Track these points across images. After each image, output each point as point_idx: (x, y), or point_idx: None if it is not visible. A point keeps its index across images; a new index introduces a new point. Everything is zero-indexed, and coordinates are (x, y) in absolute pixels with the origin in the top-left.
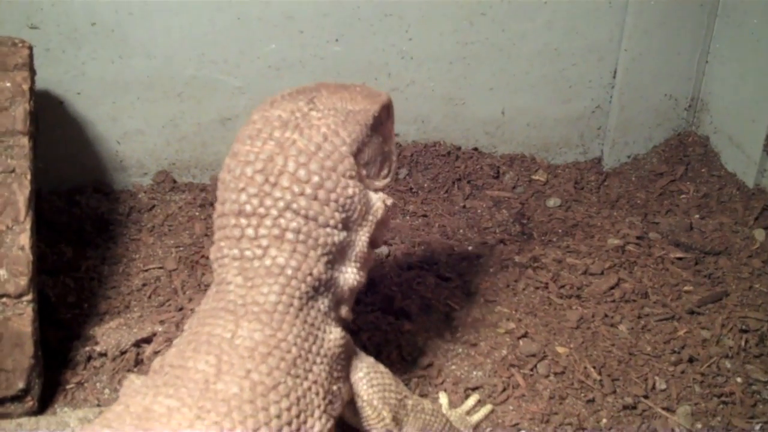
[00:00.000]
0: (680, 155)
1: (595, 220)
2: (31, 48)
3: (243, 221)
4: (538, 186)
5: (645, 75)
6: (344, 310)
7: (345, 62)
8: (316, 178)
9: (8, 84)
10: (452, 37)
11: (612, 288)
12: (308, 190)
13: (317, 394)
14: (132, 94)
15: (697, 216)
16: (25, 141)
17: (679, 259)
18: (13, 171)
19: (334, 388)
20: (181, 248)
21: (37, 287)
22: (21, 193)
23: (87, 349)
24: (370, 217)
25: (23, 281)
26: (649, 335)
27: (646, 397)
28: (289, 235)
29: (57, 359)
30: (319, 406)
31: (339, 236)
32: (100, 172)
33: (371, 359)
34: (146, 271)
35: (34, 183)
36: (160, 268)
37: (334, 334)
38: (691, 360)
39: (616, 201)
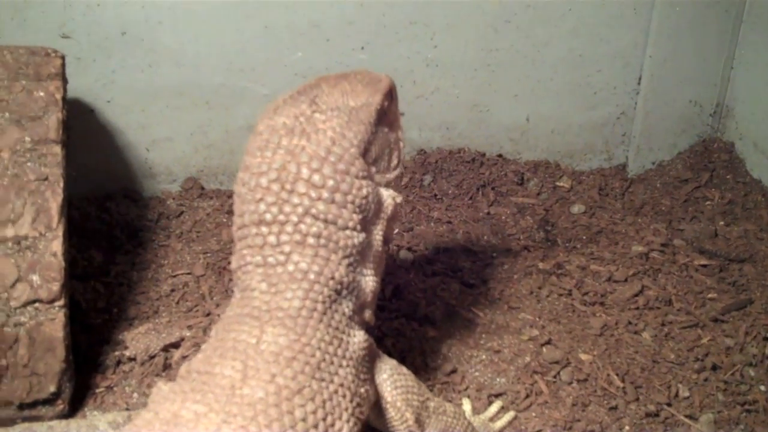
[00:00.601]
0: (705, 162)
1: (619, 226)
2: (63, 58)
3: (264, 229)
4: (563, 192)
5: (670, 81)
6: (367, 314)
7: (370, 69)
8: (331, 182)
9: (42, 93)
10: (477, 44)
11: (636, 295)
12: (325, 194)
13: (344, 396)
14: (161, 102)
15: (722, 223)
16: (57, 149)
17: (704, 266)
18: (46, 179)
19: (362, 390)
20: (209, 254)
21: (68, 293)
22: (54, 201)
23: (116, 353)
24: (382, 215)
25: (55, 287)
26: (673, 343)
27: (669, 404)
28: (311, 240)
29: (87, 363)
30: (346, 409)
31: (358, 238)
32: (130, 179)
33: (394, 361)
34: (174, 276)
35: (66, 191)
36: (188, 273)
37: (358, 337)
38: (714, 368)
39: (640, 208)
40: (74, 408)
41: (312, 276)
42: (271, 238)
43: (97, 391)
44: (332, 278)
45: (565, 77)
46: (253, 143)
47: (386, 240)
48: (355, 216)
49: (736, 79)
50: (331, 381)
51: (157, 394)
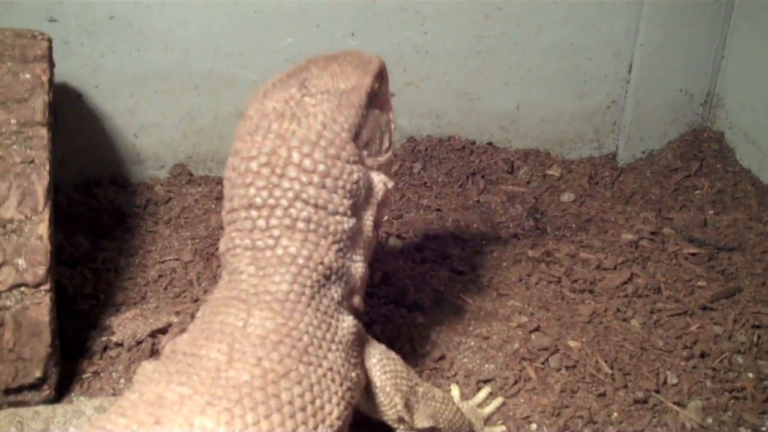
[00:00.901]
0: (695, 151)
1: (609, 215)
2: (50, 40)
3: (254, 213)
4: (553, 181)
5: (660, 70)
6: (356, 299)
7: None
8: (322, 167)
9: (28, 76)
10: (468, 32)
11: (625, 283)
12: (316, 179)
13: (333, 380)
14: (149, 87)
15: (712, 212)
16: (44, 132)
17: (693, 254)
18: (32, 161)
19: (352, 374)
20: (197, 240)
21: (54, 278)
22: (40, 184)
23: (103, 339)
24: (373, 200)
25: (41, 271)
26: (662, 330)
27: (657, 391)
28: (300, 225)
29: (74, 349)
30: (336, 393)
31: (348, 223)
32: (118, 165)
33: (383, 346)
34: (162, 262)
35: (52, 174)
36: (176, 259)
37: (347, 322)
38: (702, 355)
39: (630, 196)
40: (60, 393)
41: (301, 260)
42: (261, 222)
43: (84, 376)
44: (321, 263)
45: (556, 65)
46: (242, 127)
47: (376, 225)
48: (345, 201)
49: (727, 69)
50: (320, 365)
51: (141, 374)
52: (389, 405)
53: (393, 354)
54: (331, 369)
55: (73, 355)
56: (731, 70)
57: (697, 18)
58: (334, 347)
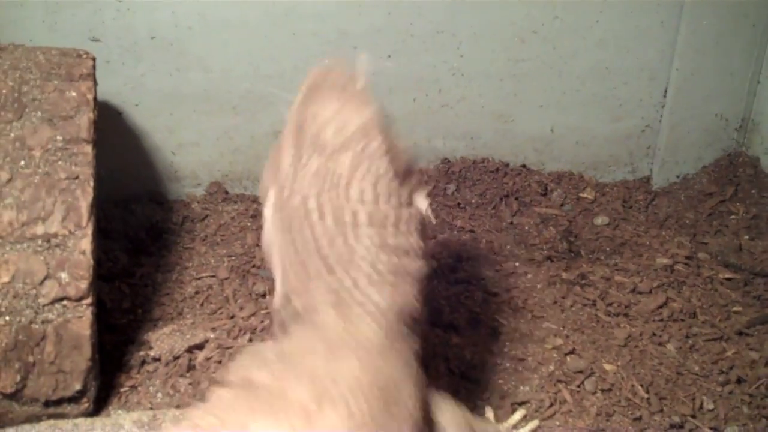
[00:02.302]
0: (730, 176)
1: (643, 239)
2: (94, 59)
3: (330, 258)
4: (586, 204)
5: (696, 94)
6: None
7: (396, 78)
8: (392, 216)
9: (74, 93)
10: (503, 55)
11: (660, 307)
12: (390, 229)
13: (411, 430)
14: (188, 106)
15: (747, 237)
16: (88, 149)
17: (728, 279)
18: (77, 177)
19: (422, 421)
20: (233, 257)
21: (96, 291)
22: (84, 199)
23: (141, 353)
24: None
25: (84, 285)
26: (697, 355)
27: (693, 416)
28: (380, 267)
29: (112, 363)
30: None
31: (418, 261)
32: (156, 182)
33: (441, 395)
34: (199, 279)
35: (96, 190)
36: (213, 276)
37: (420, 370)
38: (739, 381)
39: (664, 220)
40: (99, 407)
41: (383, 306)
42: (338, 269)
43: (122, 390)
44: (402, 307)
45: (590, 89)
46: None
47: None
48: (412, 238)
49: (763, 94)
50: (400, 413)
51: (218, 400)
52: None
53: (444, 396)
54: (410, 416)
55: (111, 368)
56: (767, 95)
57: (733, 43)
58: (413, 394)
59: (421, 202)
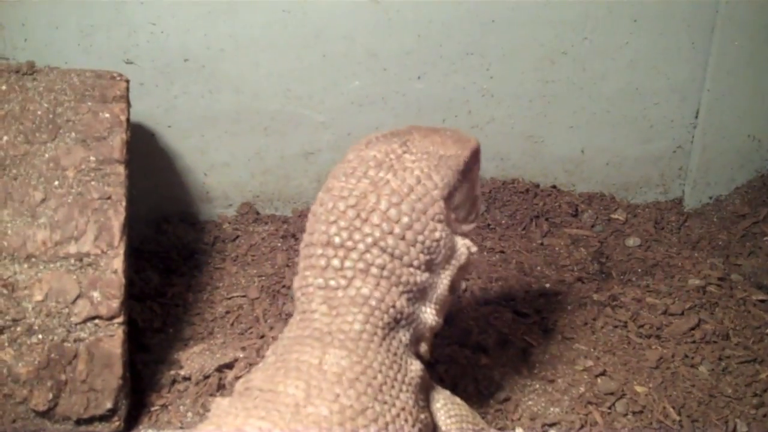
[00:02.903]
0: (763, 197)
1: (675, 260)
2: (128, 81)
3: (330, 252)
4: (618, 225)
5: (728, 115)
6: (423, 348)
7: (426, 99)
8: (406, 219)
9: (107, 115)
10: (533, 76)
11: (692, 329)
12: (397, 230)
13: (406, 421)
14: (220, 127)
15: None
16: (121, 169)
17: (762, 301)
18: (109, 198)
19: (422, 416)
20: (264, 278)
21: (127, 310)
22: (116, 219)
23: (172, 372)
24: (454, 262)
25: (115, 304)
26: (730, 377)
27: None
28: (374, 270)
29: (143, 382)
30: None
31: (421, 277)
32: (187, 203)
33: (447, 392)
34: (229, 299)
35: (128, 210)
36: (243, 296)
37: (415, 365)
38: None
39: (697, 242)
40: (129, 425)
41: (373, 302)
42: (335, 262)
43: (152, 409)
44: (392, 307)
45: (621, 110)
46: (340, 168)
47: (453, 287)
48: (422, 256)
49: None
50: (393, 404)
51: (217, 408)
52: None
53: (457, 399)
54: (403, 409)
55: (141, 387)
56: None
57: (765, 63)
58: (405, 388)
59: (461, 243)
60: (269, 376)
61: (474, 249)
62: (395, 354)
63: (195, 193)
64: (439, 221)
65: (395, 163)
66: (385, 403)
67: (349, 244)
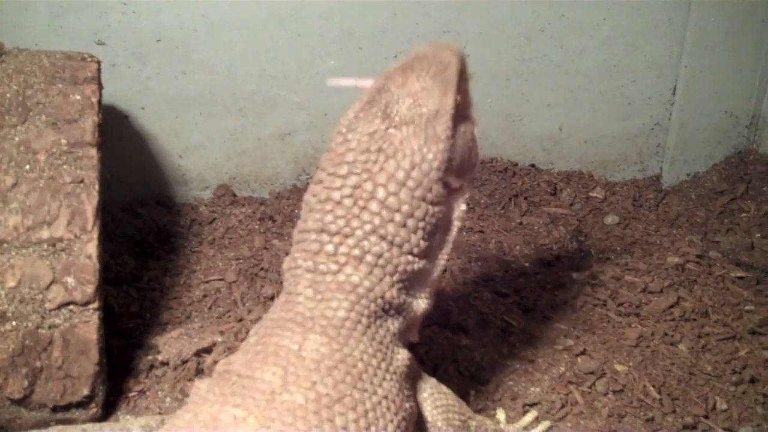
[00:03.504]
0: (741, 173)
1: (654, 237)
2: (99, 63)
3: (325, 237)
4: (596, 203)
5: (705, 92)
6: (414, 335)
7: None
8: (406, 207)
9: (78, 97)
10: (510, 54)
11: (672, 306)
12: (398, 218)
13: (388, 409)
14: (194, 109)
15: (759, 235)
16: (93, 152)
17: (740, 278)
18: (81, 181)
19: (406, 405)
20: (241, 260)
21: (102, 296)
22: (89, 203)
23: (149, 358)
24: (448, 237)
25: (90, 289)
26: (710, 355)
27: (706, 417)
28: (369, 258)
29: (120, 367)
30: (391, 421)
31: (420, 264)
32: (163, 186)
33: (434, 380)
34: (207, 282)
35: (101, 193)
36: (221, 279)
37: (402, 354)
38: (752, 380)
39: (675, 219)
40: (107, 412)
41: (361, 290)
42: (329, 247)
43: (130, 395)
44: (382, 297)
45: (598, 87)
46: (327, 160)
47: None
48: (422, 242)
49: None
50: (374, 393)
51: (196, 393)
52: None
53: (444, 388)
54: (386, 397)
55: (119, 373)
56: None
57: (742, 40)
58: (388, 377)
59: (458, 209)
60: (248, 361)
61: (464, 207)
62: (380, 343)
63: (170, 175)
64: (438, 203)
65: (383, 145)
66: (365, 391)
67: (347, 230)
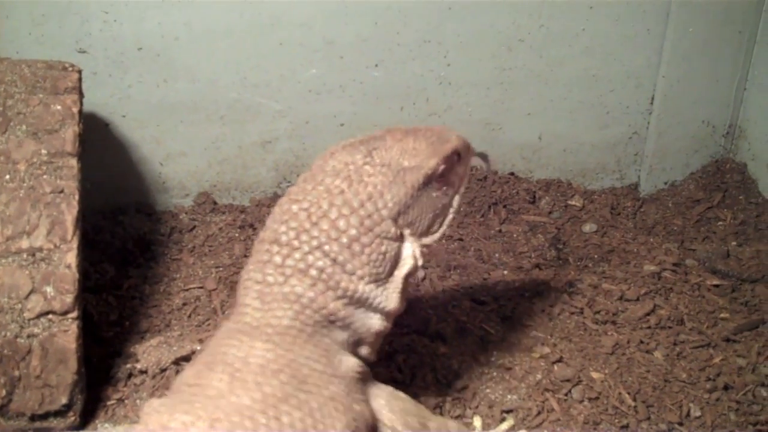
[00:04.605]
0: (718, 182)
1: (631, 246)
2: (80, 72)
3: (275, 248)
4: (575, 211)
5: (683, 101)
6: (365, 350)
7: (384, 87)
8: (353, 231)
9: (59, 107)
10: (490, 63)
11: (648, 314)
12: (343, 239)
13: (336, 409)
14: (176, 117)
15: (735, 243)
16: (73, 162)
17: (716, 286)
18: (62, 191)
19: (356, 407)
20: (221, 268)
21: (81, 305)
22: (69, 213)
23: (128, 366)
24: (396, 272)
25: (69, 299)
26: (685, 362)
27: (680, 423)
28: (313, 272)
29: (98, 376)
30: (340, 420)
31: (363, 287)
32: (143, 193)
33: (390, 388)
34: (186, 290)
35: (81, 203)
36: (200, 287)
37: (351, 362)
38: (726, 388)
39: (652, 227)
40: (85, 420)
41: (305, 300)
42: (277, 258)
43: (108, 403)
44: (324, 308)
45: (577, 96)
46: (301, 176)
47: (402, 291)
48: (366, 268)
49: (749, 100)
50: (320, 394)
51: (148, 407)
52: None
53: (401, 394)
54: (332, 399)
55: (97, 381)
56: (753, 102)
57: (720, 50)
58: (335, 380)
59: (407, 255)
60: (197, 371)
61: (420, 262)
62: (326, 350)
63: (151, 183)
64: (386, 238)
65: (353, 174)
66: (311, 392)
67: (295, 243)
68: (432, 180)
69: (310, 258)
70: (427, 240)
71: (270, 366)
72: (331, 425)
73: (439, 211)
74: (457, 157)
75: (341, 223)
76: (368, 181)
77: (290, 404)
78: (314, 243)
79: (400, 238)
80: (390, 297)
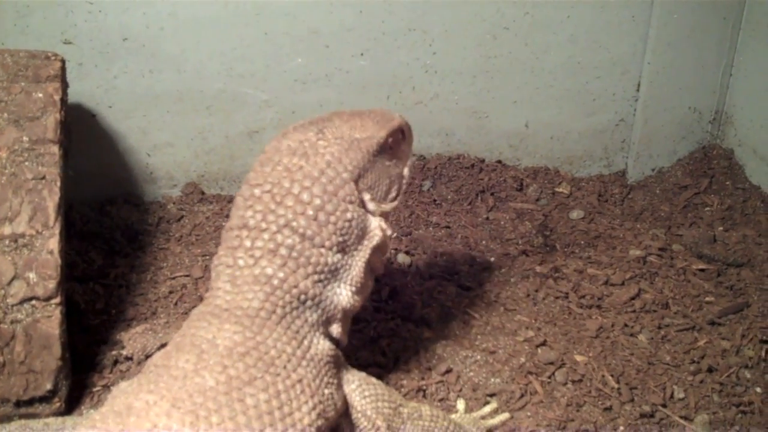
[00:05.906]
0: (704, 168)
1: (618, 231)
2: (63, 61)
3: (244, 233)
4: (562, 198)
5: (669, 88)
6: (335, 329)
7: (370, 76)
8: (317, 201)
9: (40, 95)
10: (476, 51)
11: (632, 298)
12: (309, 211)
13: (303, 392)
14: (162, 107)
15: (721, 228)
16: (55, 149)
17: (702, 270)
18: (43, 178)
19: (325, 391)
20: (208, 257)
21: (65, 292)
22: (51, 200)
23: (114, 353)
24: (366, 242)
25: (52, 284)
26: (669, 345)
27: (664, 405)
28: (283, 251)
29: (85, 363)
30: (306, 403)
31: (332, 258)
32: (131, 184)
33: (363, 373)
34: (173, 278)
35: (63, 190)
36: (187, 276)
37: (322, 345)
38: (710, 370)
39: (639, 213)
40: (71, 406)
41: (275, 281)
42: (246, 242)
43: (94, 389)
44: (295, 287)
45: (564, 84)
46: (257, 161)
47: (373, 269)
48: (334, 237)
49: (735, 86)
50: (288, 377)
51: (116, 389)
52: (372, 428)
53: (373, 379)
54: (300, 381)
55: (83, 368)
56: (740, 88)
57: (705, 36)
58: (305, 363)
59: (375, 225)
60: (166, 353)
61: (389, 231)
62: (296, 332)
63: (139, 173)
64: (350, 202)
65: (309, 150)
66: (278, 375)
67: (263, 225)
68: (384, 150)
69: (279, 237)
70: (387, 206)
71: (237, 348)
72: (297, 408)
73: (394, 178)
74: (401, 135)
75: (305, 196)
76: (324, 152)
77: (255, 386)
78: (281, 221)
79: (363, 205)
80: (357, 265)
